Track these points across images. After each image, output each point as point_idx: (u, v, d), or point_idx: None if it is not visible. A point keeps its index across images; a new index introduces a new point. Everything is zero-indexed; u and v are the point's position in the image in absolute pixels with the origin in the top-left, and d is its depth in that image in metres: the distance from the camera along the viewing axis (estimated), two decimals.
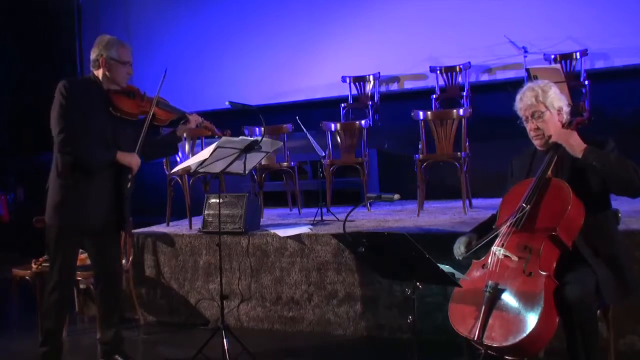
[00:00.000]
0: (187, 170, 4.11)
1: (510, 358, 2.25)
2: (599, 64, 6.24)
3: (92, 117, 3.02)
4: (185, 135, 5.11)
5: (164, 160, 5.05)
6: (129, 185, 3.15)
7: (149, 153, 3.33)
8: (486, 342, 2.23)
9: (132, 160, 3.12)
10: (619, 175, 2.34)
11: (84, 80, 3.12)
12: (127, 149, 3.13)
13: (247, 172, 3.47)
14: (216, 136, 3.45)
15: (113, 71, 3.09)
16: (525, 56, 6.06)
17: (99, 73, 3.10)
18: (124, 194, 3.16)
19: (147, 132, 3.15)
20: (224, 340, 3.30)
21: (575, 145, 2.42)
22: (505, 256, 2.40)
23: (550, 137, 2.54)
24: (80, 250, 3.42)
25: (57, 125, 2.96)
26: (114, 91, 3.11)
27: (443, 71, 6.63)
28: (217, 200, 4.24)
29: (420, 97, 6.69)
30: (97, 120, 3.04)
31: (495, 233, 2.48)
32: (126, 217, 3.22)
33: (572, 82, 5.64)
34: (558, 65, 5.66)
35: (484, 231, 2.62)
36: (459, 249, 2.62)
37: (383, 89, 7.09)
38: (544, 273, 2.28)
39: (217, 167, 3.36)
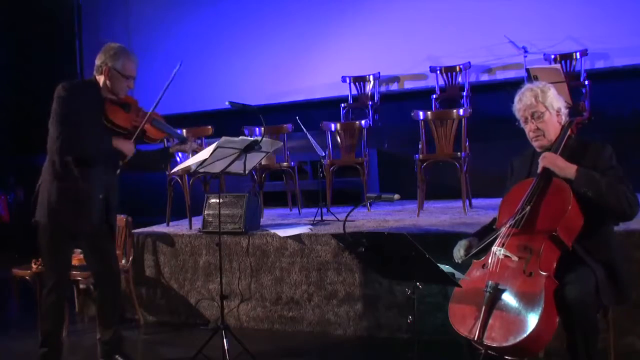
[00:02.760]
0: (187, 170, 4.10)
1: (510, 358, 2.25)
2: (599, 64, 6.25)
3: (90, 121, 3.00)
4: (185, 135, 5.11)
5: None
6: (118, 171, 3.13)
7: (136, 164, 3.28)
8: (486, 342, 2.23)
9: (129, 147, 3.10)
10: (610, 203, 2.35)
11: (84, 83, 3.09)
12: (116, 161, 3.13)
13: (247, 172, 3.47)
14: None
15: (114, 82, 3.07)
16: (525, 56, 6.06)
17: (100, 79, 3.09)
18: (111, 198, 3.15)
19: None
20: (224, 340, 3.30)
21: (564, 166, 2.43)
22: (506, 256, 2.40)
23: (551, 140, 2.54)
24: (79, 250, 3.42)
25: (56, 130, 2.95)
26: (110, 101, 3.09)
27: (443, 71, 6.63)
28: (217, 200, 4.24)
29: (420, 97, 6.70)
30: (92, 126, 3.01)
31: (495, 235, 2.48)
32: (113, 221, 3.22)
33: (572, 82, 5.65)
34: (558, 65, 5.66)
35: (485, 235, 2.62)
36: (459, 252, 2.62)
37: (383, 89, 7.09)
38: (544, 273, 2.28)
39: (217, 167, 3.36)
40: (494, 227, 2.57)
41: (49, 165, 3.04)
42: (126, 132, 3.14)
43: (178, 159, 5.08)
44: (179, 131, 3.49)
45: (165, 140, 3.30)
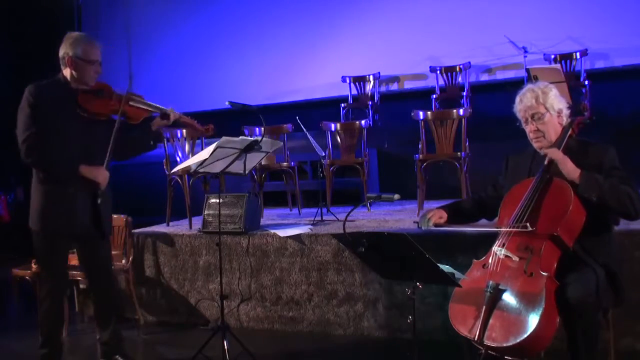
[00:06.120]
0: (187, 170, 4.11)
1: (510, 358, 2.25)
2: (599, 64, 6.25)
3: (62, 120, 2.95)
4: (185, 135, 5.12)
5: (164, 160, 5.05)
6: (99, 200, 3.02)
7: (122, 152, 3.18)
8: (487, 342, 2.23)
9: (98, 174, 2.99)
10: (613, 206, 2.35)
11: (52, 83, 3.02)
12: (102, 151, 3.02)
13: (247, 172, 3.47)
14: (199, 131, 3.37)
15: (80, 70, 2.98)
16: (525, 56, 6.06)
17: (67, 72, 3.02)
18: (98, 206, 3.05)
19: (120, 131, 3.03)
20: (224, 340, 3.30)
21: (570, 169, 2.42)
22: (506, 256, 2.40)
23: (551, 141, 2.54)
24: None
25: (22, 134, 2.92)
26: (82, 91, 3.01)
27: (443, 71, 6.63)
28: (217, 200, 4.24)
29: (420, 97, 6.69)
30: (67, 123, 2.97)
31: (488, 230, 2.50)
32: (104, 228, 3.12)
33: (572, 82, 5.64)
34: (558, 65, 5.66)
35: (458, 210, 2.72)
36: (427, 221, 2.65)
37: (383, 89, 7.09)
38: (544, 274, 2.28)
39: (217, 167, 3.35)
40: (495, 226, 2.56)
41: (34, 171, 3.03)
42: (106, 118, 3.06)
43: (178, 159, 5.09)
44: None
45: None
